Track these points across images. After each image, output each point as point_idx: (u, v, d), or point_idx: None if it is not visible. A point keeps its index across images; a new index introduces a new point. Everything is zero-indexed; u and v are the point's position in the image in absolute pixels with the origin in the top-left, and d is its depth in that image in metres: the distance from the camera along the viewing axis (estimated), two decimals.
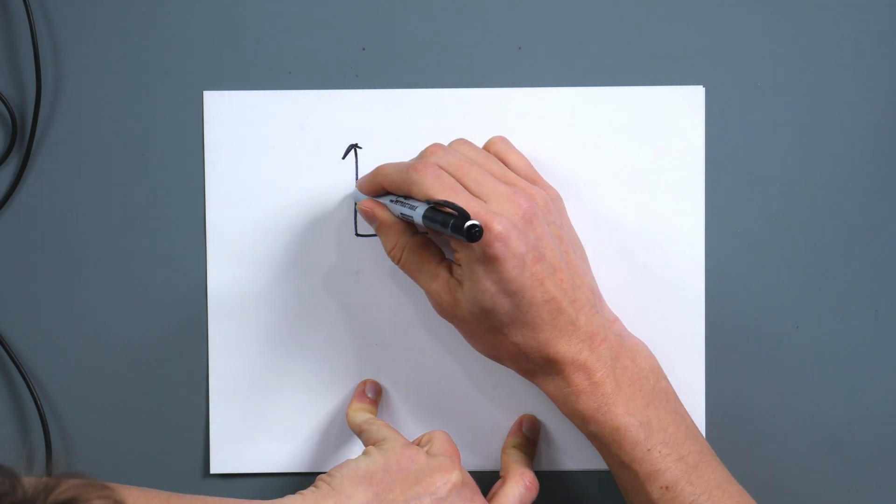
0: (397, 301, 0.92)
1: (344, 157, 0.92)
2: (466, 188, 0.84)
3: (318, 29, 0.92)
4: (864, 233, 0.92)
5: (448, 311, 0.86)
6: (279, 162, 0.92)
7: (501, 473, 0.90)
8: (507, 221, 0.81)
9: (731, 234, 0.92)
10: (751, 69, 0.92)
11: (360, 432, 0.89)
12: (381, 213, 0.87)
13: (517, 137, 0.91)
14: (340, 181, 0.92)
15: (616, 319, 0.88)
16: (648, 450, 0.84)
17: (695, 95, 0.92)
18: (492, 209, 0.82)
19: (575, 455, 0.93)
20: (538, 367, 0.85)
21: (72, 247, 0.93)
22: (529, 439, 0.91)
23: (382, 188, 0.88)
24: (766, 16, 0.91)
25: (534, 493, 0.88)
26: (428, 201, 0.83)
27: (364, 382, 0.92)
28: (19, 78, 0.92)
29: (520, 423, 0.92)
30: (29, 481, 0.57)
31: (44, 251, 0.93)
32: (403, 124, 0.92)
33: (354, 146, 0.92)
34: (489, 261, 0.81)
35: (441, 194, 0.82)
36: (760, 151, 0.92)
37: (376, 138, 0.92)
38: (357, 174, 0.92)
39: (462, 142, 0.88)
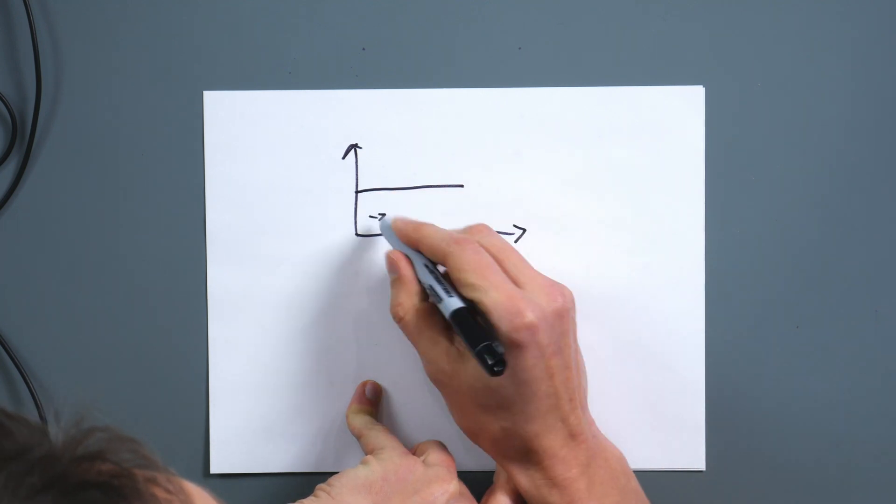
0: None
1: (344, 157, 0.92)
2: (505, 271, 0.83)
3: (318, 29, 0.92)
4: (864, 233, 0.92)
5: (442, 380, 0.85)
6: (279, 162, 0.92)
7: (494, 478, 0.89)
8: (540, 312, 0.81)
9: (731, 234, 0.92)
10: (751, 69, 0.92)
11: (359, 436, 0.89)
12: (405, 270, 0.86)
13: (517, 137, 0.91)
14: (340, 181, 0.92)
15: (593, 422, 0.87)
16: None
17: (695, 95, 0.92)
18: (527, 296, 0.81)
19: None
20: (517, 454, 0.84)
21: (72, 247, 0.93)
22: None
23: (417, 245, 0.86)
24: (766, 16, 0.91)
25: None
26: (466, 299, 0.82)
27: (364, 383, 0.92)
28: (19, 78, 0.92)
29: None
30: (56, 435, 0.56)
31: (44, 251, 0.93)
32: (403, 124, 0.92)
33: (354, 146, 0.92)
34: (511, 345, 0.80)
35: (477, 273, 0.82)
36: (760, 151, 0.92)
37: (376, 138, 0.92)
38: (357, 174, 0.92)
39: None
